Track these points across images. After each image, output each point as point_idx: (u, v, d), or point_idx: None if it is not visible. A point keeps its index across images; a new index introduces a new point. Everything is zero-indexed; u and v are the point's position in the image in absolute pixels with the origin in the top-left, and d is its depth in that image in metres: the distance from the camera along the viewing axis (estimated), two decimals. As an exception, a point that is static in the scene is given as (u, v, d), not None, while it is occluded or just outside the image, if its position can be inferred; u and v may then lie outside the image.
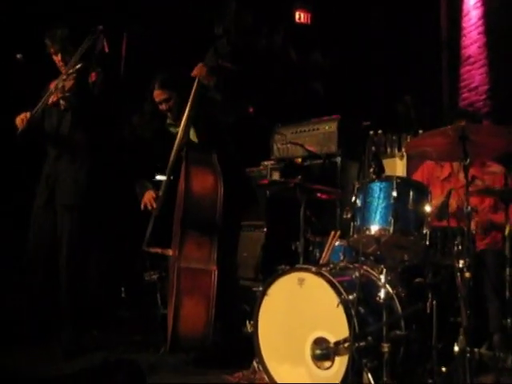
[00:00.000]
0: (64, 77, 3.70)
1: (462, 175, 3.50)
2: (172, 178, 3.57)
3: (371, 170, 2.87)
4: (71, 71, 3.76)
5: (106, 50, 5.35)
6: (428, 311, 2.86)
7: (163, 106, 3.70)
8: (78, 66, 3.75)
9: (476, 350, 2.66)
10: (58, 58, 3.82)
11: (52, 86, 3.78)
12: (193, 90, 3.56)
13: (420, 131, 4.33)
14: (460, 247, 2.78)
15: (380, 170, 2.88)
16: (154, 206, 3.62)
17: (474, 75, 5.85)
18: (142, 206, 3.69)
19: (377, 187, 2.83)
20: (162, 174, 3.86)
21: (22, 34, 4.38)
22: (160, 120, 3.82)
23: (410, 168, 4.22)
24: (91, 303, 4.38)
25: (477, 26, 5.82)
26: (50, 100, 3.72)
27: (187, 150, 3.51)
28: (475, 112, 5.33)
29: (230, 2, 5.48)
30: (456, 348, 2.60)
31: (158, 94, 3.69)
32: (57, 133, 3.83)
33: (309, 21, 6.86)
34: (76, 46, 3.77)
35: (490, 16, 5.68)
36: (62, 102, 3.68)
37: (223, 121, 3.70)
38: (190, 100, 3.56)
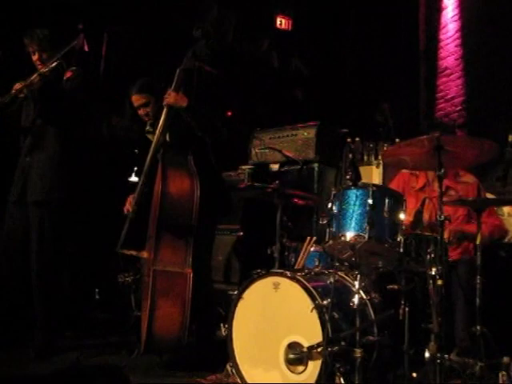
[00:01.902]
0: (37, 74, 3.70)
1: (436, 185, 3.57)
2: (148, 179, 3.55)
3: (348, 176, 2.91)
4: (45, 70, 3.75)
5: (86, 48, 5.33)
6: (400, 317, 2.90)
7: (141, 111, 3.68)
8: (53, 64, 3.75)
9: (446, 356, 2.70)
10: (35, 57, 3.80)
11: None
12: (162, 117, 3.52)
13: (397, 140, 4.40)
14: (433, 255, 2.83)
15: (356, 177, 2.91)
16: (130, 209, 3.61)
17: (451, 86, 5.96)
18: (125, 211, 3.67)
19: (353, 194, 2.87)
20: (138, 175, 3.86)
21: (2, 31, 4.33)
22: (140, 126, 3.80)
23: (386, 176, 4.28)
24: (64, 304, 4.34)
25: (454, 38, 5.94)
26: (16, 87, 3.69)
27: (163, 152, 3.51)
28: (449, 123, 5.43)
29: (211, 5, 5.48)
30: (427, 354, 2.65)
31: (136, 99, 3.67)
32: (31, 126, 3.80)
33: (289, 27, 6.90)
34: (55, 46, 3.77)
35: (467, 29, 5.79)
36: (24, 89, 3.67)
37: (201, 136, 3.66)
38: (160, 126, 3.52)
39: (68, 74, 3.81)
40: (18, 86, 3.69)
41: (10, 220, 3.77)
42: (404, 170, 3.77)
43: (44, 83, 3.67)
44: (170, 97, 3.51)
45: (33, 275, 3.69)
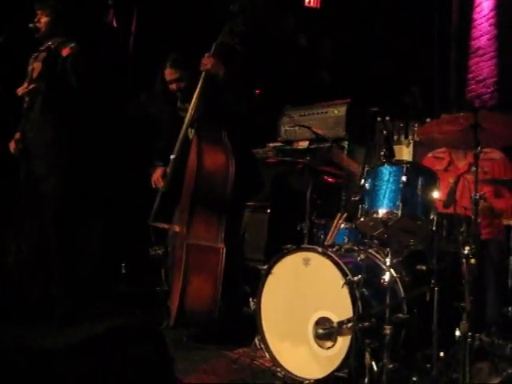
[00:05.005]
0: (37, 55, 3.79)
1: (461, 163, 3.55)
2: (180, 154, 3.56)
3: (381, 153, 2.88)
4: (42, 48, 3.80)
5: (115, 24, 5.34)
6: (428, 298, 2.88)
7: (173, 86, 3.64)
8: (49, 43, 3.77)
9: (477, 335, 2.68)
10: (43, 20, 3.77)
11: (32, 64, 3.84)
12: (199, 84, 3.48)
13: (428, 120, 4.33)
14: (465, 234, 2.80)
15: (390, 154, 2.89)
16: (161, 182, 3.64)
17: (483, 67, 5.83)
18: (153, 184, 3.70)
19: (386, 171, 2.83)
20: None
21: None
22: (171, 102, 3.78)
23: (417, 155, 4.23)
24: (94, 277, 4.42)
25: (488, 17, 5.79)
26: (26, 88, 3.73)
27: (198, 127, 3.50)
28: (480, 107, 5.35)
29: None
30: (457, 333, 2.63)
31: (169, 73, 3.63)
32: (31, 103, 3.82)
33: (318, 5, 6.81)
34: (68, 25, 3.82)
35: (501, 8, 5.65)
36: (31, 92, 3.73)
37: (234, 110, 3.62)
38: (196, 94, 3.48)
39: (65, 52, 3.75)
40: (27, 86, 3.74)
41: (26, 196, 3.86)
42: (429, 155, 3.74)
43: (46, 74, 3.73)
44: (209, 62, 3.46)
45: (50, 247, 3.77)
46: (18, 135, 3.80)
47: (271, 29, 6.05)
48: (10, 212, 4.17)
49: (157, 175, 3.69)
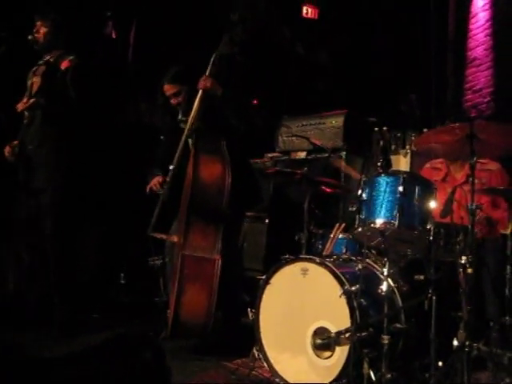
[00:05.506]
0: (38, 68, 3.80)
1: (458, 174, 3.58)
2: (180, 164, 3.58)
3: (379, 163, 2.90)
4: (41, 63, 3.81)
5: (114, 35, 5.38)
6: (427, 306, 2.89)
7: (173, 100, 3.67)
8: (47, 57, 3.79)
9: (475, 344, 2.69)
10: (42, 31, 3.78)
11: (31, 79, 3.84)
12: (196, 101, 3.50)
13: (425, 130, 4.35)
14: (462, 244, 2.81)
15: (387, 164, 2.91)
16: (158, 188, 3.64)
17: (479, 77, 5.86)
18: (148, 189, 3.71)
19: (383, 181, 2.86)
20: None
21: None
22: (173, 115, 3.80)
23: (414, 165, 4.25)
24: (92, 288, 4.42)
25: (484, 28, 5.83)
26: (25, 104, 3.74)
27: (196, 138, 3.52)
28: (476, 116, 5.39)
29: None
30: (455, 342, 2.64)
31: (167, 89, 3.67)
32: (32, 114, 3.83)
33: (316, 16, 6.85)
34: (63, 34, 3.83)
35: (497, 18, 5.69)
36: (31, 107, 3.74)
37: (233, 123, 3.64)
38: (194, 110, 3.50)
39: (64, 65, 3.77)
40: (26, 102, 3.74)
41: (23, 206, 3.87)
42: (426, 166, 3.76)
43: (46, 88, 3.75)
44: (206, 81, 3.49)
45: (49, 257, 3.76)
46: (15, 142, 3.81)
47: (271, 37, 6.09)
48: (10, 217, 4.17)
49: (154, 182, 3.70)
